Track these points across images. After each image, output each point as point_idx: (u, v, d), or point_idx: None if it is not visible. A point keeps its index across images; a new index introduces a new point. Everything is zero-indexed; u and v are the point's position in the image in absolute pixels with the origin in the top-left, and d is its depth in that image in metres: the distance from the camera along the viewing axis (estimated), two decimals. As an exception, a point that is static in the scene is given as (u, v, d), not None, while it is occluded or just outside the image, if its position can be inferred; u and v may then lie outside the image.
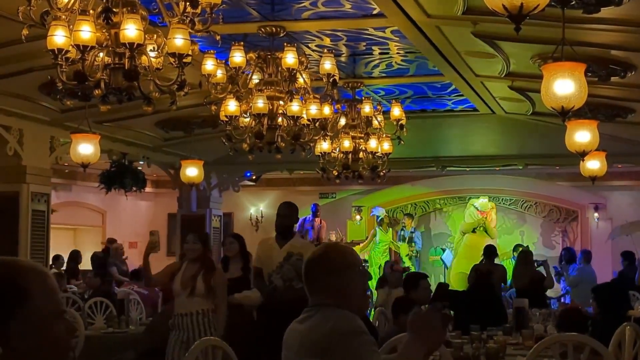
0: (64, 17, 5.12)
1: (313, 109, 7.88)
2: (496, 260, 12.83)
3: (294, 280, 7.42)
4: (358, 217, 18.47)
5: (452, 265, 17.53)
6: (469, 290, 9.88)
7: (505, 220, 18.46)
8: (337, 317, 3.20)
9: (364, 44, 9.35)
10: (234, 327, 7.26)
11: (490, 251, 12.39)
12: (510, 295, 12.21)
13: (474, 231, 17.79)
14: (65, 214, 16.90)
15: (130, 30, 5.01)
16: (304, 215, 17.68)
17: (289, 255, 7.66)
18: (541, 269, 11.62)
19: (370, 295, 12.61)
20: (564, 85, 5.75)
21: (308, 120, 7.89)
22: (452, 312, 8.10)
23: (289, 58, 7.54)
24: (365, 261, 16.67)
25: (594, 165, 9.42)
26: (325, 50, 8.17)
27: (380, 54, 9.78)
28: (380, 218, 17.63)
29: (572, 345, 5.18)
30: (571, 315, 6.86)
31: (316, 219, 17.26)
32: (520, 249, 14.51)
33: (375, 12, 8.00)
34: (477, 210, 17.82)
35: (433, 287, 9.22)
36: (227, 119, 7.85)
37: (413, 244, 17.66)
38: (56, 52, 5.07)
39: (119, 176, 13.09)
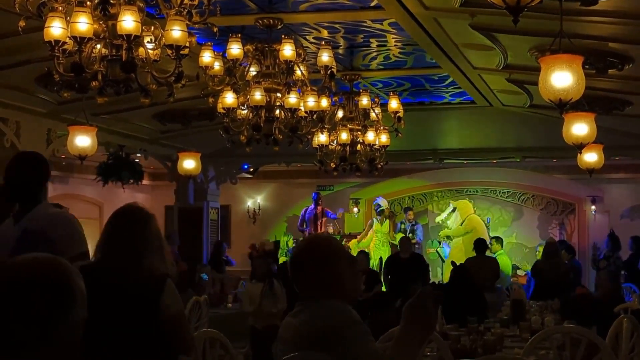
0: (60, 8, 5.12)
1: (310, 101, 7.87)
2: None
3: None
4: (355, 209, 18.46)
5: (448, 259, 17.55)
6: (448, 283, 9.98)
7: (502, 212, 18.48)
8: (330, 309, 3.21)
9: (362, 36, 9.33)
10: None
11: (480, 245, 12.40)
12: (508, 287, 12.25)
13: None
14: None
15: (128, 21, 5.00)
16: (306, 205, 17.70)
17: (25, 233, 4.60)
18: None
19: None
20: (562, 78, 5.75)
21: (305, 112, 7.88)
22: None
23: (287, 50, 7.52)
24: (366, 254, 16.62)
25: (591, 157, 9.43)
26: (323, 43, 8.15)
27: (377, 46, 9.77)
28: (380, 209, 17.49)
29: (569, 337, 5.19)
30: (577, 302, 6.84)
31: (318, 207, 17.23)
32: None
33: (373, 4, 7.99)
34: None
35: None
36: (224, 111, 7.84)
37: (414, 235, 17.60)
38: (53, 43, 5.06)
39: (116, 168, 13.09)
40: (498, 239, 15.23)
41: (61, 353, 1.93)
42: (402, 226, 17.68)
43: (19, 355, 1.89)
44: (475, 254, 12.22)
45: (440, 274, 17.12)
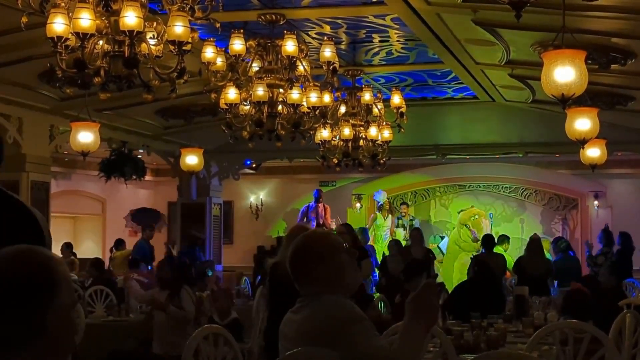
0: (63, 4, 5.12)
1: (313, 97, 7.86)
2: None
3: None
4: (358, 205, 18.45)
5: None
6: (471, 279, 9.90)
7: (505, 208, 18.44)
8: (332, 305, 3.21)
9: (364, 31, 9.33)
10: None
11: (488, 241, 12.35)
12: (510, 283, 12.22)
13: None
14: (65, 203, 16.89)
15: (130, 17, 4.99)
16: (307, 202, 17.66)
17: None
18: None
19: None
20: (565, 73, 5.74)
21: (308, 108, 7.87)
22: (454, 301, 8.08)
23: (289, 46, 7.52)
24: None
25: (594, 153, 9.42)
26: (325, 38, 8.14)
27: (380, 41, 9.76)
28: (380, 204, 17.55)
29: (572, 333, 5.19)
30: (575, 298, 6.82)
31: (319, 205, 17.21)
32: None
33: (375, -1, 7.99)
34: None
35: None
36: (227, 107, 7.84)
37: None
38: (56, 40, 5.06)
39: (119, 164, 13.10)
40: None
41: (54, 339, 1.95)
42: (400, 222, 17.68)
43: (13, 350, 1.90)
44: (483, 250, 12.21)
45: (439, 270, 17.09)
